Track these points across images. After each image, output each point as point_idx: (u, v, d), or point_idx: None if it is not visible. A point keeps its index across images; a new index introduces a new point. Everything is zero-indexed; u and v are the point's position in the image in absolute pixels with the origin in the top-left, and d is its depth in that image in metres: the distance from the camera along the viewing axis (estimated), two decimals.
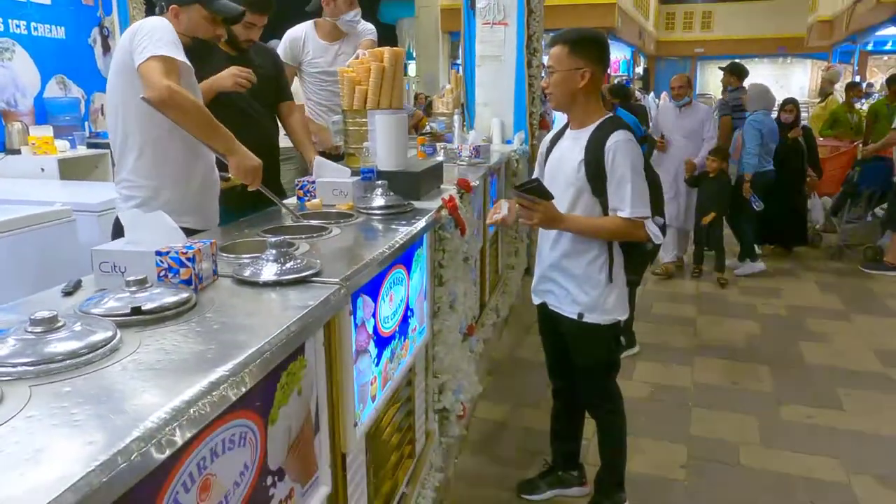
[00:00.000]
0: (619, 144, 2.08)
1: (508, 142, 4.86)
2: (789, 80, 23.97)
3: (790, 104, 6.09)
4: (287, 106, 3.09)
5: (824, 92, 8.53)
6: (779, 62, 23.92)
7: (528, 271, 5.32)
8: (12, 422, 0.85)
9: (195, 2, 2.16)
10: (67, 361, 1.00)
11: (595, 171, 2.11)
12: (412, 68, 15.64)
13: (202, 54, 2.72)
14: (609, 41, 2.29)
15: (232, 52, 2.87)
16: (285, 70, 3.21)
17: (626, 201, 2.08)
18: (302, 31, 3.61)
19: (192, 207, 2.25)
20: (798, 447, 2.97)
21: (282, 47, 3.58)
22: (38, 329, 1.03)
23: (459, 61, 6.42)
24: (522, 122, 5.00)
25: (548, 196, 2.09)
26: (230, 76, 2.62)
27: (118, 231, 2.21)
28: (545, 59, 6.00)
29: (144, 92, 1.94)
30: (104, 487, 0.75)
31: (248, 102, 2.88)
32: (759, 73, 24.14)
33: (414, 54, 15.05)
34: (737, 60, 7.12)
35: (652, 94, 15.49)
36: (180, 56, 2.00)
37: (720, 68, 7.17)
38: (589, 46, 2.12)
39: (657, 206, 2.22)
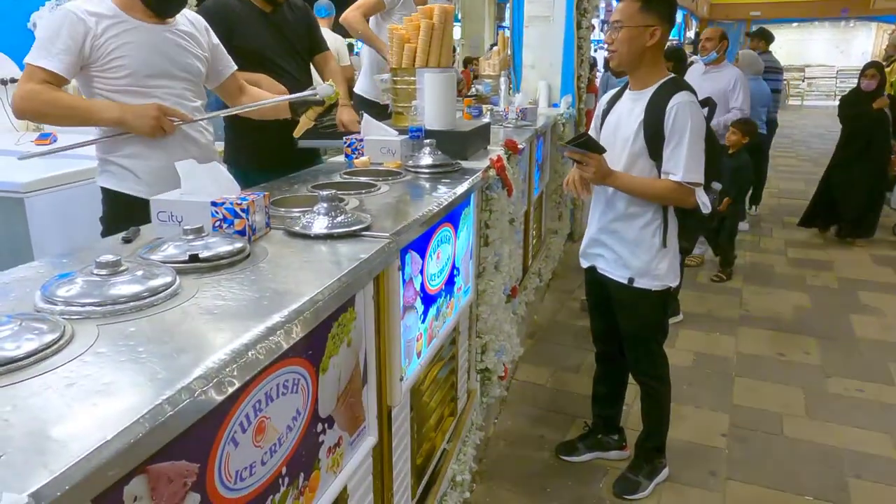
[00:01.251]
0: (682, 106, 2.01)
1: (555, 105, 4.78)
2: (850, 45, 22.88)
3: (871, 69, 5.39)
4: (322, 57, 3.16)
5: (889, 56, 8.14)
6: (840, 26, 22.81)
7: (571, 236, 5.29)
8: (83, 356, 0.88)
9: None
10: (131, 303, 1.04)
11: (654, 132, 2.05)
12: (457, 31, 15.41)
13: (235, 16, 2.74)
14: None
15: (266, 8, 2.86)
16: (318, 23, 3.26)
17: (680, 165, 2.02)
18: None
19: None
20: (845, 420, 2.92)
21: None
22: (104, 272, 1.07)
23: (506, 24, 6.31)
24: (570, 85, 4.91)
25: (599, 149, 2.06)
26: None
27: (111, 204, 2.19)
28: (595, 22, 5.84)
29: None
30: (170, 420, 0.78)
31: (282, 65, 2.89)
32: (819, 37, 23.13)
33: (459, 16, 14.81)
34: (764, 26, 7.06)
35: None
36: (44, 61, 1.90)
37: (747, 34, 7.17)
38: (660, 3, 2.04)
39: (716, 170, 2.16)
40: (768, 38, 6.82)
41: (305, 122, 2.37)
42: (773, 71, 6.59)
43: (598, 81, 7.46)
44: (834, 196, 5.65)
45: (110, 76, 2.01)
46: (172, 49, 2.11)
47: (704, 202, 2.09)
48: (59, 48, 1.91)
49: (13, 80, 4.03)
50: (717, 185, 2.19)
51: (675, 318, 3.87)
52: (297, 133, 2.41)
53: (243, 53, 2.58)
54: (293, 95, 2.35)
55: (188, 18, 2.20)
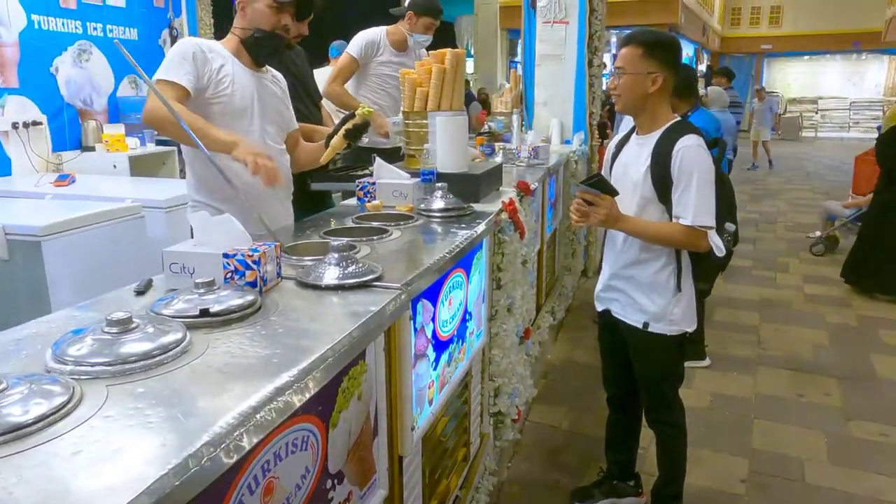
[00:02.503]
0: (687, 149, 2.01)
1: (567, 142, 4.81)
2: (863, 77, 22.90)
3: None
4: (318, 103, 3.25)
5: None
6: (852, 58, 22.86)
7: (585, 273, 5.26)
8: (91, 421, 0.88)
9: None
10: (141, 362, 1.04)
11: (661, 177, 2.05)
12: (470, 66, 15.62)
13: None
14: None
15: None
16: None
17: (690, 209, 2.01)
18: (378, 35, 3.77)
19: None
20: (868, 466, 2.84)
21: (357, 45, 3.76)
22: (114, 330, 1.07)
23: (518, 59, 6.40)
24: (582, 122, 4.94)
25: (612, 192, 2.04)
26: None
27: None
28: (606, 59, 5.90)
29: None
30: (177, 490, 0.77)
31: (300, 109, 2.93)
32: (831, 69, 23.18)
33: (472, 52, 15.03)
34: (727, 66, 8.08)
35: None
36: (174, 76, 2.03)
37: (715, 71, 8.21)
38: (663, 50, 2.05)
39: (730, 211, 2.15)
40: (730, 75, 7.67)
41: (337, 144, 2.29)
42: (735, 105, 7.37)
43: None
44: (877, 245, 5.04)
45: (216, 111, 2.13)
46: (270, 95, 2.30)
47: (717, 245, 2.07)
48: (185, 70, 2.05)
49: (35, 123, 4.13)
50: (730, 226, 2.17)
51: (701, 363, 3.80)
52: (325, 158, 2.35)
53: None
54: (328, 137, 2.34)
55: (272, 74, 2.36)
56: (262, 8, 2.14)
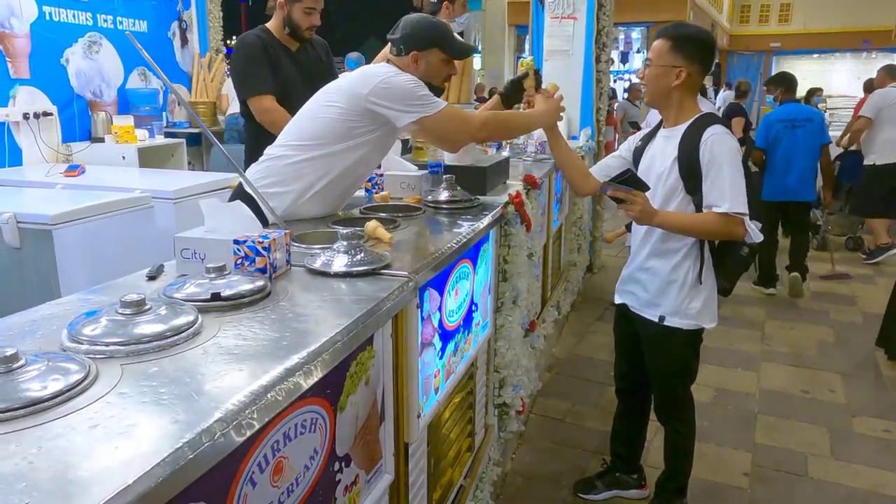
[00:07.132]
0: (716, 138, 2.00)
1: (574, 138, 4.80)
2: (873, 76, 22.76)
3: None
4: None
5: None
6: (862, 57, 22.71)
7: (591, 268, 5.27)
8: (107, 397, 0.90)
9: (434, 46, 2.06)
10: (154, 343, 1.06)
11: (689, 167, 2.04)
12: (477, 61, 15.60)
13: (275, 57, 2.82)
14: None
15: (291, 47, 2.89)
16: (332, 58, 3.24)
17: (725, 196, 1.98)
18: None
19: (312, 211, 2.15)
20: (871, 461, 2.85)
21: None
22: (128, 311, 1.09)
23: (526, 55, 6.41)
24: (589, 117, 4.94)
25: (644, 187, 2.02)
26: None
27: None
28: (614, 55, 5.88)
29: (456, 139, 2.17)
30: (190, 464, 0.79)
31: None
32: (840, 67, 23.04)
33: (480, 48, 15.01)
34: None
35: (723, 91, 15.11)
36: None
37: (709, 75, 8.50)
38: (691, 45, 2.04)
39: (752, 208, 2.13)
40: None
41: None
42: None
43: (615, 113, 7.55)
44: None
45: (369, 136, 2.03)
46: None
47: (754, 230, 2.04)
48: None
49: (46, 114, 4.16)
50: (756, 224, 2.13)
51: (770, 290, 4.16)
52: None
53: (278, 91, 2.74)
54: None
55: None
56: (437, 62, 2.08)
